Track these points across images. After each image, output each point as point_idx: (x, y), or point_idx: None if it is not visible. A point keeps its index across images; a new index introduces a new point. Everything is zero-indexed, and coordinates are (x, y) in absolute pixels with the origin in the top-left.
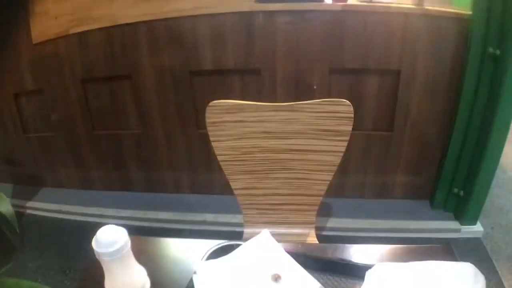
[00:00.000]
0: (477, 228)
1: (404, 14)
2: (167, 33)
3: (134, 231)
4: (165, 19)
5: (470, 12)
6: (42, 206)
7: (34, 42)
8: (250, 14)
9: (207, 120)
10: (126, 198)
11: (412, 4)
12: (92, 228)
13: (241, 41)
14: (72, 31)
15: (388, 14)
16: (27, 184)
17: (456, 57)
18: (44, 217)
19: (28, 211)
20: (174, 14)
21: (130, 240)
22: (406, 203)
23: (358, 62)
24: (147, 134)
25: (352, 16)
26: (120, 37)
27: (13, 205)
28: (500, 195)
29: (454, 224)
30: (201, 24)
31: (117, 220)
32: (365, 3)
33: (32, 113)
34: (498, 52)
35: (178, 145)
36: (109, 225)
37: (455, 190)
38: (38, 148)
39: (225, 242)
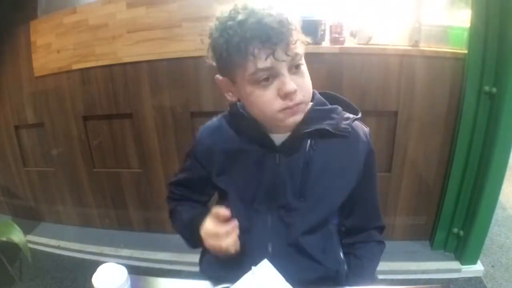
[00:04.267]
0: (478, 267)
1: (401, 56)
2: (168, 73)
3: (133, 271)
4: (167, 59)
5: (466, 51)
6: (41, 241)
7: (36, 75)
8: None
9: None
10: (125, 237)
11: (408, 45)
12: (91, 266)
13: None
14: (74, 67)
15: (384, 56)
16: (26, 217)
17: (452, 96)
18: (42, 251)
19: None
20: (176, 55)
21: (130, 279)
22: (406, 244)
23: (356, 104)
24: (147, 174)
25: (350, 58)
26: (122, 75)
27: (10, 238)
28: (500, 233)
29: (454, 264)
30: (203, 65)
31: (116, 259)
32: (362, 45)
33: (33, 147)
34: (494, 90)
35: None
36: (110, 263)
37: (455, 230)
38: (37, 182)
39: (223, 285)
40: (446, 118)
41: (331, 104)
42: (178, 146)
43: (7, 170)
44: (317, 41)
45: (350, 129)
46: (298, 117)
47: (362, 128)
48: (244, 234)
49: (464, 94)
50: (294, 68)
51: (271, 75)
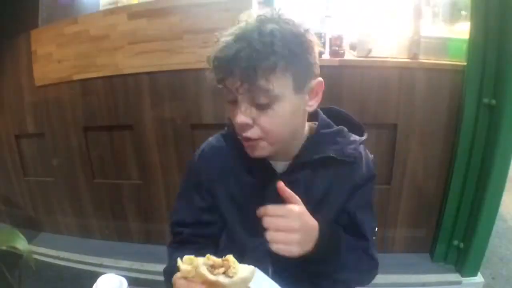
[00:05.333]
0: (478, 280)
1: (400, 68)
2: (169, 85)
3: (132, 282)
4: (168, 71)
5: (465, 63)
6: (41, 251)
7: (37, 84)
8: None
9: None
10: (124, 249)
11: (407, 58)
12: (90, 277)
13: None
14: (75, 77)
15: (384, 68)
16: (25, 227)
17: (452, 109)
18: (42, 261)
19: None
20: (177, 67)
21: None
22: (406, 256)
23: (355, 116)
24: (147, 185)
25: (349, 71)
26: (122, 86)
27: (10, 247)
28: (500, 244)
29: (455, 277)
30: (203, 78)
31: (115, 270)
32: (361, 58)
33: (33, 157)
34: (493, 102)
35: None
36: (109, 274)
37: (455, 242)
38: (37, 192)
39: None
40: (445, 130)
41: (336, 123)
42: (178, 158)
43: (7, 179)
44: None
45: (356, 155)
46: (255, 154)
47: (366, 155)
48: (243, 259)
49: (464, 106)
50: (257, 103)
51: (232, 99)
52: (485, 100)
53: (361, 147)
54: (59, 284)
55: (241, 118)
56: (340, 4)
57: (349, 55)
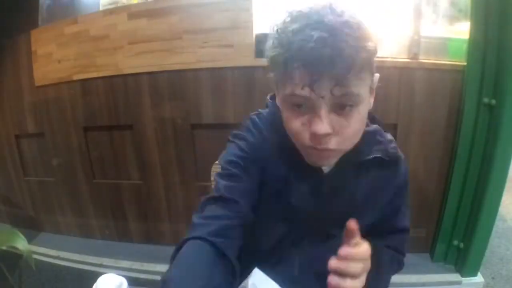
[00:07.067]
0: (478, 280)
1: (400, 68)
2: (169, 85)
3: (132, 282)
4: (168, 71)
5: (465, 63)
6: (41, 251)
7: (37, 84)
8: (250, 69)
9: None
10: (124, 249)
11: (407, 58)
12: (90, 277)
13: (241, 95)
14: (75, 77)
15: (383, 68)
16: (25, 227)
17: (452, 109)
18: (42, 261)
19: None
20: (177, 67)
21: None
22: (406, 256)
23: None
24: (147, 185)
25: None
26: (122, 86)
27: (11, 247)
28: (500, 244)
29: (455, 277)
30: (203, 77)
31: (115, 270)
32: None
33: (33, 156)
34: (493, 101)
35: (177, 197)
36: (110, 274)
37: (455, 242)
38: (37, 192)
39: None
40: (445, 130)
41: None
42: (178, 158)
43: (7, 179)
44: None
45: (397, 154)
46: (324, 163)
47: (401, 157)
48: (268, 254)
49: (464, 106)
50: (339, 108)
51: (305, 105)
52: (485, 100)
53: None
54: (59, 284)
55: (321, 126)
56: (340, 4)
57: None
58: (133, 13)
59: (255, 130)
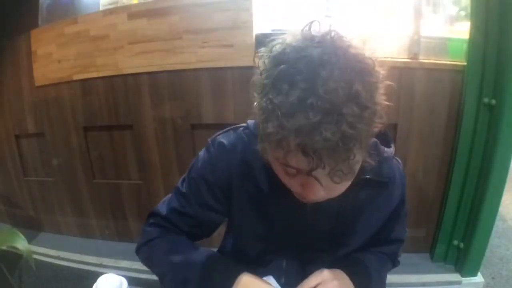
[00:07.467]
0: (478, 280)
1: (400, 68)
2: (169, 85)
3: (132, 282)
4: (168, 71)
5: (465, 63)
6: (41, 251)
7: (37, 84)
8: (250, 69)
9: None
10: (124, 249)
11: (407, 58)
12: (90, 277)
13: (241, 95)
14: (75, 77)
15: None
16: (25, 227)
17: (452, 108)
18: (42, 261)
19: None
20: (177, 67)
21: None
22: (406, 256)
23: None
24: (147, 185)
25: None
26: (123, 86)
27: (11, 247)
28: (500, 244)
29: (455, 277)
30: (203, 77)
31: (115, 270)
32: None
33: (33, 156)
34: (493, 101)
35: None
36: (110, 274)
37: (455, 242)
38: (37, 192)
39: None
40: (445, 130)
41: None
42: (178, 158)
43: (7, 179)
44: None
45: (391, 175)
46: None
47: (399, 170)
48: (255, 270)
49: (464, 106)
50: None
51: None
52: (485, 100)
53: (394, 163)
54: (59, 284)
55: (320, 194)
56: (340, 4)
57: None
58: (133, 13)
59: (217, 150)
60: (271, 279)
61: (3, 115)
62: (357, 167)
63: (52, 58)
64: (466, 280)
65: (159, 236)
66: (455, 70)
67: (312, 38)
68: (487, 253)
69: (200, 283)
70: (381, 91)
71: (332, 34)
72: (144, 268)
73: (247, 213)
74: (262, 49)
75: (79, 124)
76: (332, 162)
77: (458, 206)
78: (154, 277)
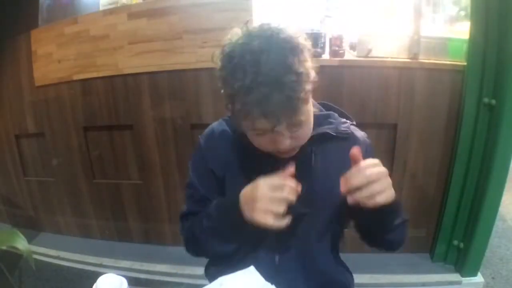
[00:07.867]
0: (478, 279)
1: (400, 68)
2: (169, 85)
3: (132, 282)
4: (168, 71)
5: (465, 63)
6: (41, 251)
7: (37, 84)
8: None
9: None
10: (124, 249)
11: (407, 58)
12: (90, 277)
13: None
14: (75, 77)
15: (384, 68)
16: (25, 227)
17: (452, 109)
18: (42, 261)
19: None
20: (177, 67)
21: None
22: (406, 256)
23: (355, 116)
24: (147, 185)
25: (349, 70)
26: (123, 86)
27: (11, 247)
28: (500, 244)
29: (455, 277)
30: (203, 77)
31: (115, 270)
32: (361, 58)
33: (33, 156)
34: (493, 101)
35: (177, 197)
36: (109, 274)
37: (455, 242)
38: (37, 192)
39: None
40: (445, 130)
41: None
42: (178, 158)
43: (8, 179)
44: (316, 54)
45: (349, 131)
46: (291, 154)
47: (360, 132)
48: (249, 248)
49: (464, 106)
50: (295, 127)
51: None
52: (485, 100)
53: (354, 127)
54: (59, 284)
55: (285, 144)
56: (340, 4)
57: (349, 55)
58: (133, 13)
59: (203, 142)
60: (251, 269)
61: (3, 115)
62: (307, 117)
63: (52, 58)
64: (466, 280)
65: (190, 227)
66: (455, 70)
67: (250, 34)
68: (487, 253)
69: (218, 218)
70: (308, 57)
71: (265, 27)
72: (144, 268)
73: (234, 190)
74: (217, 52)
75: (79, 124)
76: (286, 117)
77: (458, 206)
78: (154, 277)
